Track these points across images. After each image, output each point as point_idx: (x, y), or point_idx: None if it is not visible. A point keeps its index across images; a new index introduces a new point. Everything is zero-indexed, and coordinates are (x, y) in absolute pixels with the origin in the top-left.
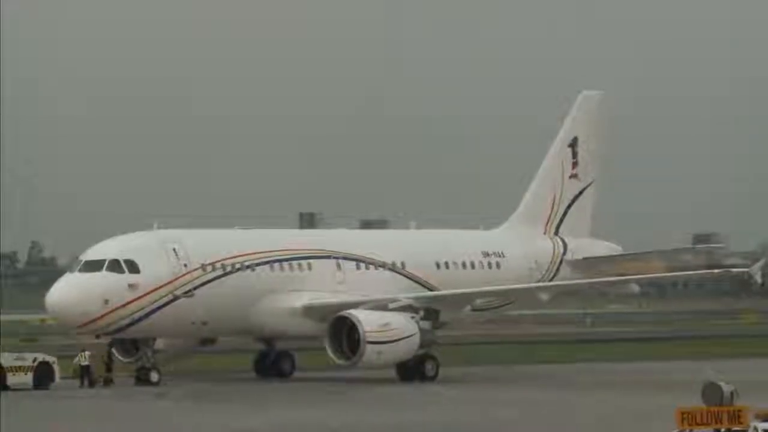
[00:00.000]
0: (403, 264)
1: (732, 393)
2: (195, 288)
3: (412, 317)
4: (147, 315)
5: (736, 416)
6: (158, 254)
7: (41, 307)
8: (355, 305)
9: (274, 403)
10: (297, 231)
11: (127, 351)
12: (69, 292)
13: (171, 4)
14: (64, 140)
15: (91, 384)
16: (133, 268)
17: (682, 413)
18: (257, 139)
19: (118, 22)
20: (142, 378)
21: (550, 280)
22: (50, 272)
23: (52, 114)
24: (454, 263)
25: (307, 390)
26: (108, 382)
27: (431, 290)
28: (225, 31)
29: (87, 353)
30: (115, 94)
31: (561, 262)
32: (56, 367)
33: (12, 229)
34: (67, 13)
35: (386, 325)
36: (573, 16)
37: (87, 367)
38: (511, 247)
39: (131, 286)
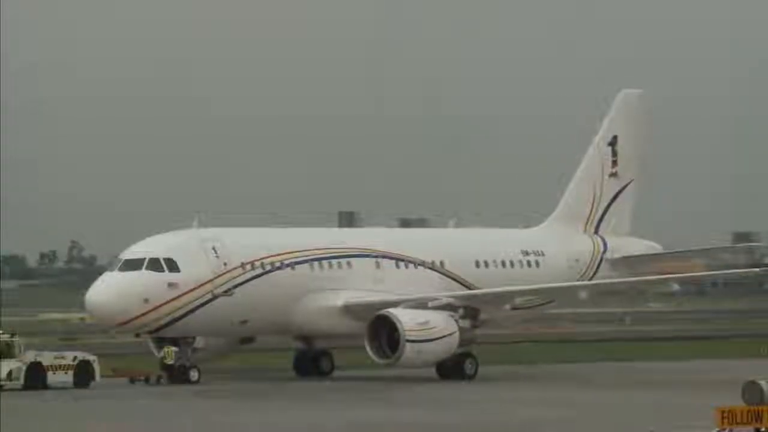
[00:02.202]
0: (442, 263)
1: None
2: (235, 287)
3: (452, 316)
4: (186, 314)
5: None
6: (198, 253)
7: (81, 305)
8: (395, 304)
9: (312, 401)
10: (336, 230)
11: None
12: (109, 291)
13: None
14: (104, 141)
15: (171, 381)
16: (173, 266)
17: (722, 412)
18: (297, 139)
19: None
20: (181, 377)
21: (590, 279)
22: (90, 271)
23: (85, 115)
24: (494, 262)
25: (346, 389)
26: (148, 378)
27: (471, 289)
28: (255, 32)
29: (173, 350)
30: (147, 94)
31: (601, 261)
32: (96, 366)
33: (51, 228)
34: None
35: (426, 323)
36: (613, 14)
37: (171, 366)
38: (550, 246)
39: (171, 285)
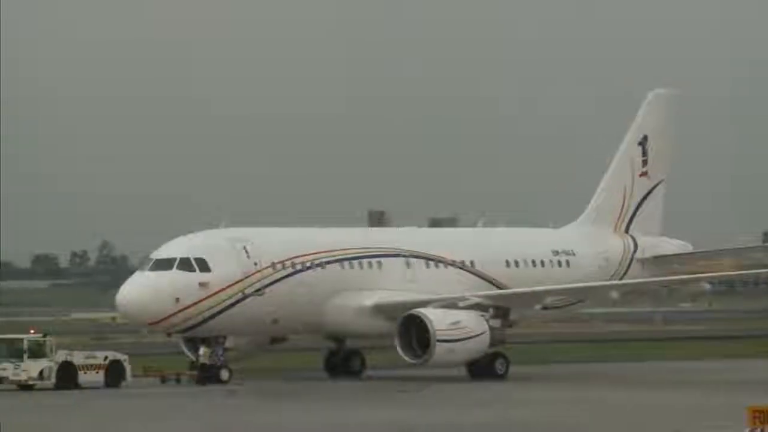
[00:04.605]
0: (472, 262)
1: None
2: (265, 286)
3: (482, 315)
4: (217, 313)
5: None
6: (229, 253)
7: (112, 305)
8: (425, 304)
9: (343, 401)
10: (367, 229)
11: (196, 349)
12: (140, 290)
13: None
14: (134, 142)
15: (204, 382)
16: (203, 266)
17: (754, 411)
18: (327, 138)
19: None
20: (212, 376)
21: (621, 279)
22: (121, 271)
23: (116, 114)
24: (524, 261)
25: (377, 389)
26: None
27: (501, 288)
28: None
29: (208, 351)
30: (179, 94)
31: (631, 261)
32: (127, 365)
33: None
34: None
35: (456, 323)
36: (644, 13)
37: (203, 365)
38: (581, 246)
39: (202, 284)
